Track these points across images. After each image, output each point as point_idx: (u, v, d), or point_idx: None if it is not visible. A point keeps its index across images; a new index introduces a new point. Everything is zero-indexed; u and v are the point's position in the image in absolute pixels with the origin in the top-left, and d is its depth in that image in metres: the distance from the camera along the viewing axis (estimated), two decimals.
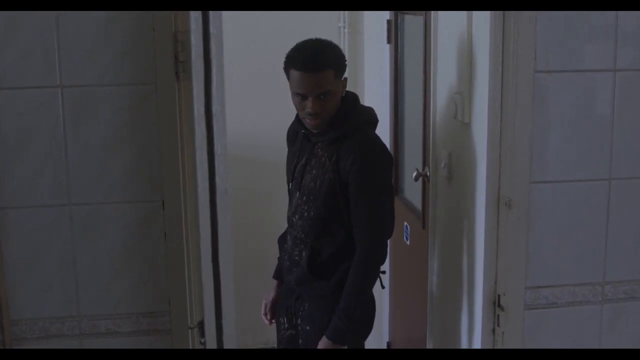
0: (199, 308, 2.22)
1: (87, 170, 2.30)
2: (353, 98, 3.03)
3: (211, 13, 1.97)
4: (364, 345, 3.10)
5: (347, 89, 3.02)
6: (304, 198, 3.02)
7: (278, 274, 3.31)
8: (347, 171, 2.88)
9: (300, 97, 2.89)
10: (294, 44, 2.95)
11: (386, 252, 3.02)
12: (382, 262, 3.00)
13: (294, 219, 3.09)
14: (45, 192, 2.30)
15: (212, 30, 1.97)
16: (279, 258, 3.32)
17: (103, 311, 2.38)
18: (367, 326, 3.08)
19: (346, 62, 2.99)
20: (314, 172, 2.99)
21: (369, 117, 3.03)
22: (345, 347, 2.92)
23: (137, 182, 2.31)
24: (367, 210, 2.91)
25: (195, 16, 1.99)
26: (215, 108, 2.00)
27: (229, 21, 2.08)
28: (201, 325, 2.15)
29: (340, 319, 2.90)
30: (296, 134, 3.14)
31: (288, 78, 2.94)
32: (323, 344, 2.91)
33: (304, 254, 3.05)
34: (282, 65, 2.91)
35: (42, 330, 2.37)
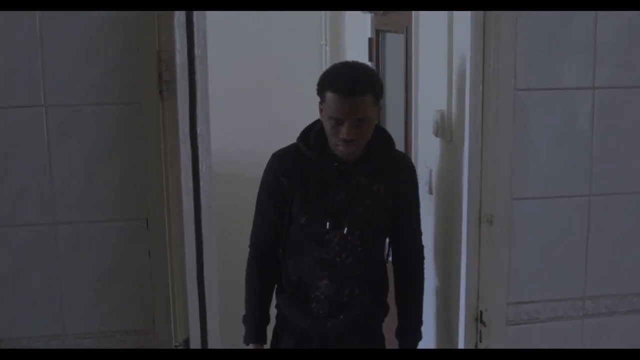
0: (184, 326, 2.22)
1: (71, 189, 2.30)
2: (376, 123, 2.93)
3: (196, 33, 1.99)
4: None
5: None
6: (357, 233, 2.88)
7: (259, 337, 3.05)
8: (405, 192, 2.94)
9: (334, 121, 2.74)
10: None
11: None
12: None
13: (338, 259, 2.89)
14: (30, 211, 2.29)
15: (197, 51, 1.99)
16: (249, 319, 3.07)
17: (88, 329, 2.37)
18: None
19: (383, 89, 2.87)
20: (367, 202, 2.87)
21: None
22: None
23: (121, 200, 2.32)
24: (419, 222, 3.05)
25: (179, 36, 2.00)
26: (200, 128, 2.01)
27: (210, 38, 2.09)
28: (186, 343, 2.15)
29: (418, 324, 3.05)
30: (301, 168, 2.90)
31: (322, 100, 2.80)
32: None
33: (357, 290, 2.94)
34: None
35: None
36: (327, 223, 2.85)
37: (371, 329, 3.05)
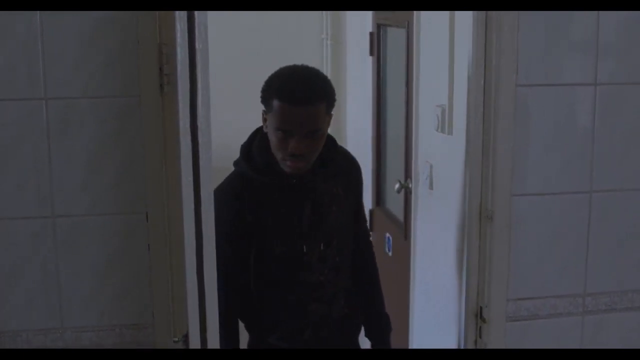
0: (183, 321, 2.22)
1: (71, 182, 2.29)
2: None
3: (197, 27, 1.98)
4: None
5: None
6: (335, 242, 2.66)
7: None
8: (356, 186, 2.78)
9: (282, 133, 2.45)
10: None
11: None
12: None
13: (322, 278, 2.65)
14: (28, 204, 2.29)
15: (198, 45, 1.98)
16: None
17: (86, 323, 2.37)
18: None
19: (335, 96, 2.57)
20: (333, 208, 2.65)
21: None
22: None
23: (121, 194, 2.31)
24: (364, 214, 2.92)
25: (181, 29, 1.99)
26: (200, 123, 2.00)
27: (211, 32, 2.07)
28: (186, 338, 2.15)
29: (386, 316, 2.89)
30: (258, 197, 2.59)
31: (268, 110, 2.50)
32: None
33: (343, 301, 2.73)
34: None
35: (25, 342, 2.35)
36: (304, 245, 2.61)
37: (354, 334, 2.88)
